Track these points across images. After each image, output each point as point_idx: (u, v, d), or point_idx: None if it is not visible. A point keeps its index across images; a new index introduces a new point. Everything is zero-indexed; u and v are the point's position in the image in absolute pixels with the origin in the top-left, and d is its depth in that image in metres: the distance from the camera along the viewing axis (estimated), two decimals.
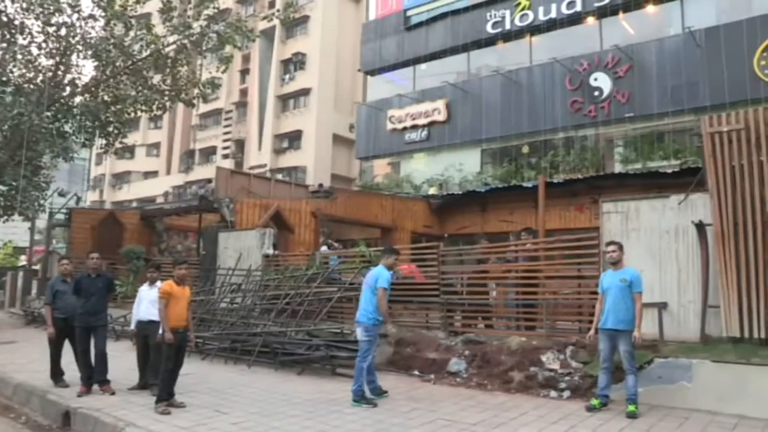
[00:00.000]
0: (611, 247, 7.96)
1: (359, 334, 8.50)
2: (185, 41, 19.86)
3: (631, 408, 7.30)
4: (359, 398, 8.14)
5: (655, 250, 9.21)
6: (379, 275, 8.52)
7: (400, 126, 27.62)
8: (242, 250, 15.42)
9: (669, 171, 16.74)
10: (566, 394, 8.44)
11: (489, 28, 25.90)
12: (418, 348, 10.49)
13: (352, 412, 7.60)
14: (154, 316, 8.51)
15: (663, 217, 9.22)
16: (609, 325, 7.62)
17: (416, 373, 9.97)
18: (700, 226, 8.73)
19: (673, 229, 9.12)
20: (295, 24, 39.48)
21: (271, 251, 15.39)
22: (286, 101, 40.91)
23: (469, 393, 8.83)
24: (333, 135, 38.61)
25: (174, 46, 20.10)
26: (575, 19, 23.88)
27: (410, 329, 11.47)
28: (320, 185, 22.16)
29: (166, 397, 7.77)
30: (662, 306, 8.97)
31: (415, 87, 28.46)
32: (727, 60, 19.58)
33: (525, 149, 24.00)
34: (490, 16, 25.95)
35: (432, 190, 24.50)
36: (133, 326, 9.50)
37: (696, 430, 6.75)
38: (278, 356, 10.70)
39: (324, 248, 15.98)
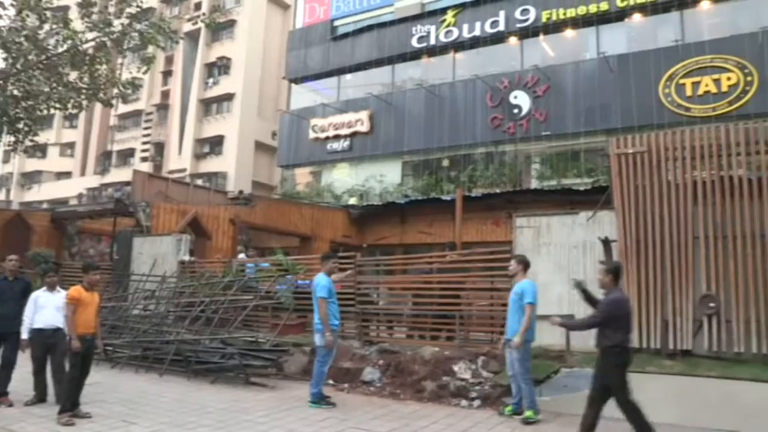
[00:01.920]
0: (510, 262, 8.28)
1: (317, 340, 8.63)
2: (105, 39, 19.18)
3: (528, 413, 7.60)
4: (318, 400, 8.33)
5: (564, 264, 9.61)
6: (317, 284, 8.68)
7: (322, 135, 27.64)
8: (157, 255, 15.10)
9: (582, 188, 17.41)
10: (477, 403, 8.64)
11: (414, 42, 26.29)
12: (333, 358, 10.53)
13: (264, 421, 7.55)
14: (61, 323, 8.07)
15: (572, 232, 9.64)
16: (507, 335, 7.97)
17: (330, 382, 9.97)
18: (606, 242, 9.16)
19: (581, 244, 9.55)
20: (221, 28, 38.86)
21: (187, 258, 15.16)
22: (208, 106, 40.23)
23: (382, 402, 8.93)
24: (255, 142, 38.19)
25: (93, 43, 19.37)
26: (498, 39, 24.53)
27: None
28: (240, 192, 21.95)
29: (69, 408, 7.48)
30: (570, 318, 9.32)
31: (339, 97, 28.60)
32: (637, 86, 20.59)
33: (445, 162, 24.44)
34: (416, 30, 26.35)
35: (352, 201, 24.60)
36: (26, 335, 8.28)
37: None
38: (191, 365, 10.52)
39: (241, 256, 15.84)
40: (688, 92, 19.90)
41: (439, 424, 7.59)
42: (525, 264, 8.15)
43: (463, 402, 8.71)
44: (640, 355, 8.53)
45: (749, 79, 19.02)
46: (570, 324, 7.59)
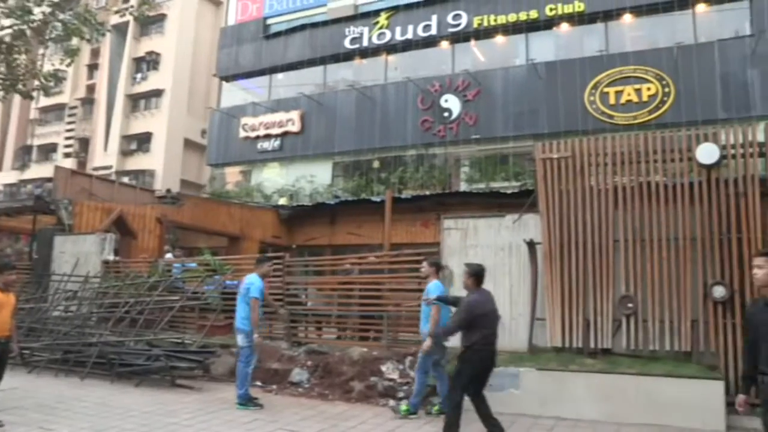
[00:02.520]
0: (422, 264, 8.61)
1: (240, 340, 8.62)
2: (24, 27, 18.29)
3: (403, 407, 8.07)
4: (246, 401, 8.28)
5: (490, 266, 9.72)
6: (251, 284, 8.63)
7: (253, 134, 27.33)
8: (80, 255, 14.66)
9: (509, 192, 17.77)
10: (404, 402, 8.74)
11: (347, 44, 26.30)
12: (260, 359, 10.42)
13: (190, 424, 7.44)
14: None
15: (499, 234, 9.86)
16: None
17: (258, 383, 9.91)
18: (531, 245, 9.41)
19: (507, 247, 9.78)
20: (150, 22, 37.96)
21: (111, 257, 14.75)
22: (136, 101, 39.23)
23: (310, 403, 8.94)
24: (184, 139, 37.49)
25: (10, 31, 18.46)
26: (430, 42, 24.79)
27: None
28: (168, 191, 21.49)
29: None
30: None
31: (270, 96, 28.33)
32: (563, 92, 21.22)
33: (376, 164, 24.53)
34: (349, 31, 26.37)
35: (282, 201, 24.42)
36: None
37: None
38: (115, 367, 10.26)
39: (168, 255, 15.53)
40: (612, 101, 20.63)
41: (367, 425, 7.65)
42: (437, 266, 8.47)
43: (391, 402, 8.80)
44: (564, 354, 8.83)
45: (667, 90, 19.91)
46: (437, 332, 7.71)
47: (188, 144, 37.63)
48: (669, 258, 8.62)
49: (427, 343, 7.74)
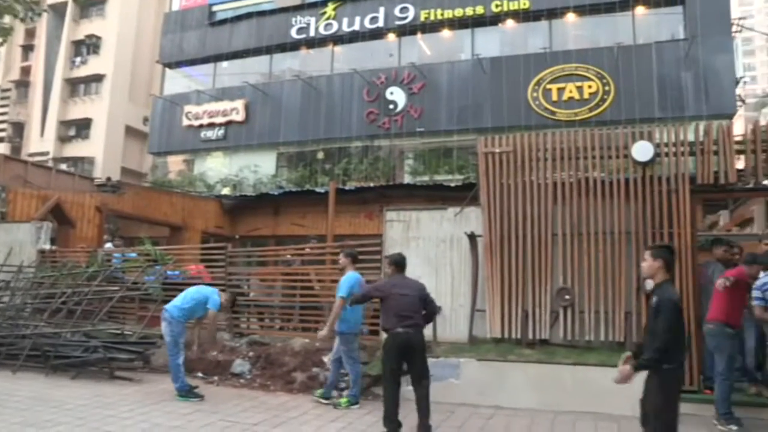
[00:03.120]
0: (340, 255, 8.74)
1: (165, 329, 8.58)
2: None
3: (342, 401, 8.15)
4: (185, 393, 8.22)
5: (432, 258, 9.94)
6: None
7: (196, 123, 26.91)
8: (14, 244, 14.18)
9: (452, 185, 17.97)
10: (346, 393, 8.81)
11: (294, 33, 26.12)
12: (202, 349, 10.37)
13: (129, 416, 7.34)
14: None
15: (441, 227, 9.99)
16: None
17: (200, 375, 9.84)
18: (472, 237, 9.57)
19: (449, 239, 9.92)
20: (90, 4, 37.03)
21: (47, 246, 14.36)
22: (75, 86, 38.14)
23: (252, 394, 8.91)
24: (126, 126, 36.69)
25: None
26: (377, 34, 24.83)
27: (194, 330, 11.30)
28: (108, 179, 20.97)
29: None
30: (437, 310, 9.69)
31: (214, 84, 27.89)
32: (507, 88, 21.58)
33: (320, 155, 24.49)
34: (296, 21, 26.19)
35: (225, 191, 24.16)
36: None
37: (460, 421, 7.47)
38: (50, 360, 9.94)
39: (108, 245, 15.21)
40: (554, 97, 21.10)
41: (309, 415, 7.69)
42: (352, 257, 8.54)
43: (333, 392, 8.85)
44: (503, 344, 9.02)
45: (607, 88, 20.48)
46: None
47: (130, 131, 36.84)
48: (605, 251, 8.89)
49: (322, 333, 8.03)
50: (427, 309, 7.19)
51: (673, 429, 4.85)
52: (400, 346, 6.83)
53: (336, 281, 11.27)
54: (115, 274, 12.68)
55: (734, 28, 21.09)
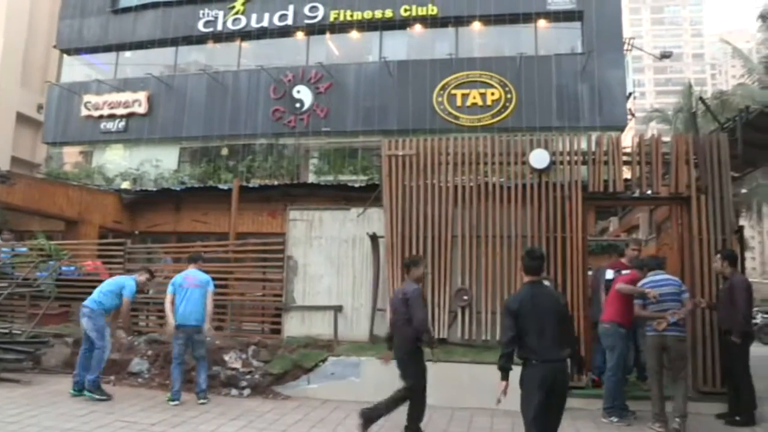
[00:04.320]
0: None
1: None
2: None
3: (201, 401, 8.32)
4: (97, 387, 8.21)
5: (334, 257, 10.07)
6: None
7: (96, 113, 25.88)
8: None
9: (356, 185, 18.13)
10: (247, 392, 8.82)
11: (201, 26, 25.57)
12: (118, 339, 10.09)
13: (16, 420, 7.04)
14: None
15: (343, 227, 10.14)
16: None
17: None
18: (374, 238, 9.75)
19: (351, 239, 10.08)
20: None
21: None
22: None
23: (150, 393, 8.76)
24: (17, 113, 34.69)
25: None
26: (285, 32, 24.67)
27: None
28: None
29: None
30: (338, 309, 9.83)
31: (116, 74, 26.89)
32: (413, 91, 21.96)
33: (224, 151, 24.12)
34: (203, 14, 25.64)
35: (125, 185, 23.38)
36: None
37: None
38: None
39: None
40: (459, 102, 21.63)
41: (209, 414, 7.65)
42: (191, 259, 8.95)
43: (234, 391, 8.85)
44: None
45: (509, 96, 21.20)
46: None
47: (21, 118, 34.89)
48: (502, 254, 9.26)
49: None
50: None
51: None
52: None
53: (238, 279, 11.30)
54: (4, 269, 12.12)
55: (626, 47, 22.32)
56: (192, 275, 8.46)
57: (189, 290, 8.28)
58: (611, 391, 7.65)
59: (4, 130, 33.72)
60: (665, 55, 29.00)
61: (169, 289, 8.30)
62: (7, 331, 10.34)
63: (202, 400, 8.19)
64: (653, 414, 7.20)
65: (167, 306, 8.20)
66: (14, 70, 34.40)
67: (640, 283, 7.54)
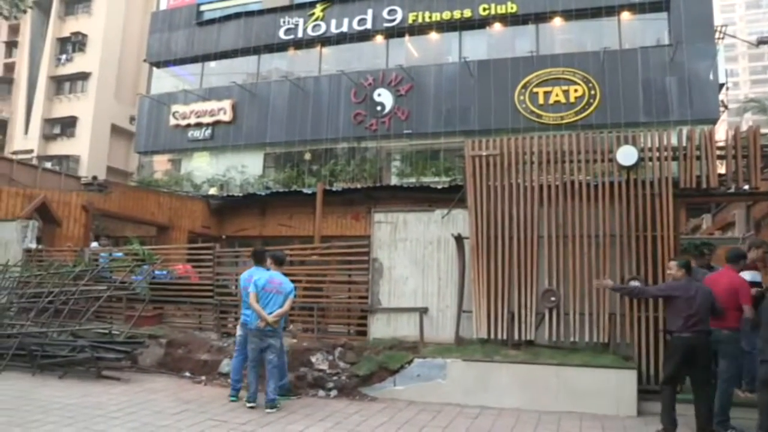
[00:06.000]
0: None
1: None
2: None
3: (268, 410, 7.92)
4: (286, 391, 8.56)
5: (419, 259, 10.04)
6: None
7: (183, 122, 26.87)
8: None
9: (439, 187, 18.09)
10: (333, 393, 8.87)
11: (281, 34, 26.16)
12: (189, 349, 10.39)
13: (117, 416, 7.34)
14: None
15: (428, 229, 10.08)
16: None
17: (187, 374, 9.87)
18: (459, 239, 9.66)
19: (436, 241, 10.02)
20: (76, 1, 36.76)
21: (33, 245, 14.30)
22: (61, 83, 37.87)
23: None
24: (112, 125, 36.49)
25: None
26: (364, 36, 24.94)
27: (182, 330, 11.33)
28: (94, 177, 20.90)
29: None
30: (423, 311, 9.80)
31: (202, 84, 27.88)
32: (495, 91, 21.76)
33: (307, 156, 24.54)
34: (284, 22, 26.22)
35: (212, 191, 24.14)
36: None
37: (446, 421, 7.51)
38: (37, 359, 9.88)
39: (94, 244, 15.17)
40: (541, 101, 21.29)
41: (297, 414, 7.74)
42: (276, 259, 8.50)
43: (321, 392, 8.92)
44: (490, 345, 9.12)
45: (593, 92, 20.69)
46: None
47: (116, 130, 36.66)
48: (590, 254, 9.01)
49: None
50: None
51: None
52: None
53: (324, 282, 11.42)
54: (102, 273, 12.66)
55: (717, 35, 21.39)
56: (277, 279, 8.22)
57: (272, 296, 8.06)
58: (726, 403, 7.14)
59: (100, 142, 35.51)
60: (763, 41, 27.62)
61: (252, 288, 8.06)
62: (107, 331, 10.82)
63: (269, 410, 7.83)
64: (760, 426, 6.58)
65: (255, 305, 7.96)
66: (109, 85, 36.22)
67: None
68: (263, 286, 8.08)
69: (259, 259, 8.62)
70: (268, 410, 7.80)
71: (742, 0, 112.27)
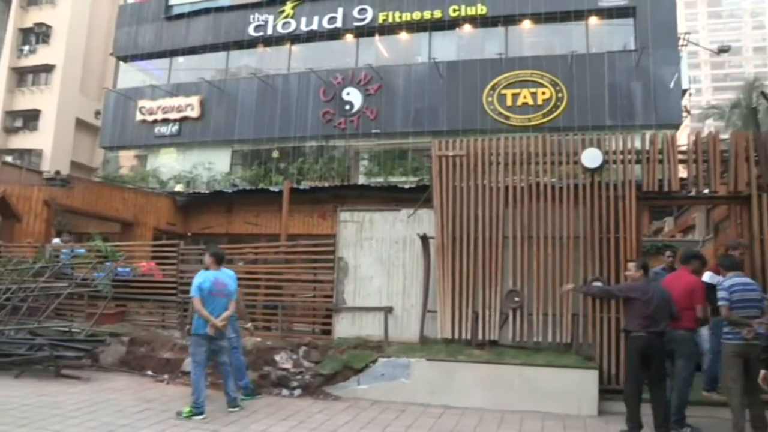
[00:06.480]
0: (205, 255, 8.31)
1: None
2: None
3: (186, 410, 7.44)
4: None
5: (385, 259, 10.05)
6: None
7: (150, 118, 26.53)
8: None
9: (407, 187, 18.13)
10: (297, 392, 8.84)
11: (251, 31, 25.96)
12: (152, 348, 10.27)
13: (75, 415, 7.20)
14: None
15: (394, 228, 10.10)
16: None
17: (150, 373, 9.76)
18: (425, 239, 9.69)
19: (401, 240, 10.04)
20: None
21: None
22: (24, 75, 37.01)
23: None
24: (77, 119, 35.78)
25: None
26: (334, 35, 24.86)
27: (145, 328, 11.20)
28: (57, 172, 20.55)
29: None
30: (388, 310, 9.81)
31: (169, 79, 27.54)
32: (463, 92, 21.87)
33: (275, 154, 24.43)
34: (254, 18, 26.03)
35: (179, 187, 23.87)
36: None
37: (410, 420, 7.53)
38: None
39: (56, 240, 14.91)
40: (509, 102, 21.46)
41: (260, 413, 7.69)
42: (216, 257, 8.05)
43: (285, 391, 8.87)
44: (453, 345, 9.15)
45: (560, 95, 20.93)
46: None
47: (80, 124, 35.98)
48: (554, 255, 9.10)
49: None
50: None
51: None
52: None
53: (289, 281, 11.38)
54: (64, 270, 12.45)
55: (680, 42, 21.80)
56: (221, 282, 7.83)
57: (216, 299, 7.72)
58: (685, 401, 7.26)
59: (64, 136, 34.84)
60: (723, 50, 28.21)
61: (196, 292, 7.59)
62: (67, 329, 10.64)
63: (231, 409, 7.71)
64: (735, 425, 6.68)
65: (203, 311, 7.54)
66: (74, 78, 35.53)
67: (726, 283, 7.00)
68: (209, 290, 7.67)
69: (218, 260, 8.15)
70: (231, 409, 7.70)
71: (704, 9, 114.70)
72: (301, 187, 20.08)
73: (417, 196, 10.95)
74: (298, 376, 9.06)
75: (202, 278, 7.72)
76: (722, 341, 6.84)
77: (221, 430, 6.91)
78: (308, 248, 11.45)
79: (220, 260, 8.05)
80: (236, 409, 7.73)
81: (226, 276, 7.98)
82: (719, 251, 10.77)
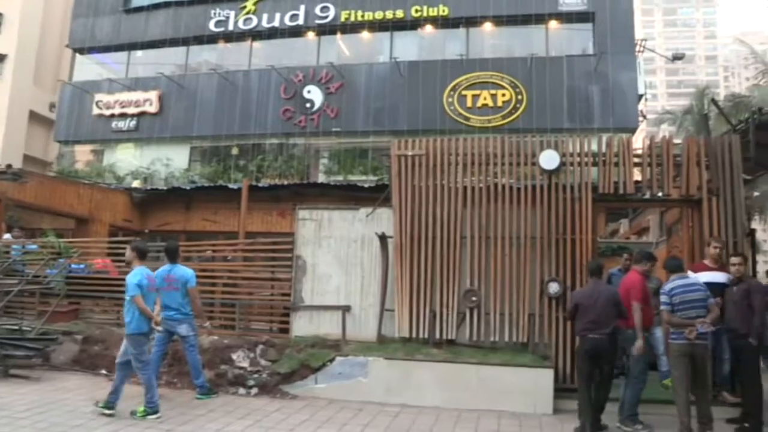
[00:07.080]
0: (126, 249, 8.24)
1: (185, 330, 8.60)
2: None
3: (140, 409, 7.35)
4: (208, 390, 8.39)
5: (343, 257, 10.07)
6: (186, 274, 8.69)
7: (107, 112, 26.01)
8: None
9: (366, 186, 18.12)
10: (254, 391, 8.81)
11: (212, 26, 25.65)
12: (107, 346, 10.10)
13: (25, 416, 7.04)
14: None
15: (352, 227, 10.13)
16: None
17: (104, 372, 9.60)
18: (383, 238, 9.73)
19: (360, 239, 10.07)
20: None
21: None
22: None
23: (158, 391, 8.73)
24: (30, 112, 34.86)
25: None
26: (296, 32, 24.71)
27: (100, 326, 11.00)
28: (8, 166, 19.95)
29: None
30: (346, 309, 9.82)
31: (128, 73, 27.00)
32: (424, 92, 21.96)
33: (235, 151, 24.22)
34: (215, 14, 25.72)
35: (136, 183, 23.45)
36: None
37: (367, 419, 7.57)
38: None
39: (7, 236, 14.55)
40: (469, 103, 21.60)
41: (216, 413, 7.65)
42: (138, 251, 7.87)
43: (241, 390, 8.84)
44: (411, 344, 9.23)
45: (520, 97, 21.15)
46: None
47: (34, 117, 35.08)
48: (511, 255, 9.23)
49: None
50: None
51: None
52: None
53: (247, 279, 11.29)
54: (14, 266, 12.16)
55: (637, 48, 22.24)
56: (173, 276, 8.21)
57: (165, 294, 8.00)
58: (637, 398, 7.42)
59: (17, 128, 33.90)
60: (678, 57, 28.81)
61: (136, 291, 7.39)
62: (17, 327, 10.37)
63: (200, 397, 8.19)
64: (681, 422, 6.85)
65: (145, 307, 7.45)
66: (27, 69, 34.58)
67: (667, 287, 7.18)
68: (148, 286, 7.59)
69: (172, 256, 8.44)
70: (199, 397, 7.96)
71: (660, 18, 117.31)
72: (261, 184, 19.91)
73: (376, 195, 10.99)
74: (255, 375, 9.02)
75: (140, 275, 7.55)
76: (668, 341, 7.07)
77: (176, 430, 6.84)
78: (266, 246, 11.39)
79: (142, 255, 7.88)
80: (205, 397, 8.14)
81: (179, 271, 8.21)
82: (671, 253, 11.05)
